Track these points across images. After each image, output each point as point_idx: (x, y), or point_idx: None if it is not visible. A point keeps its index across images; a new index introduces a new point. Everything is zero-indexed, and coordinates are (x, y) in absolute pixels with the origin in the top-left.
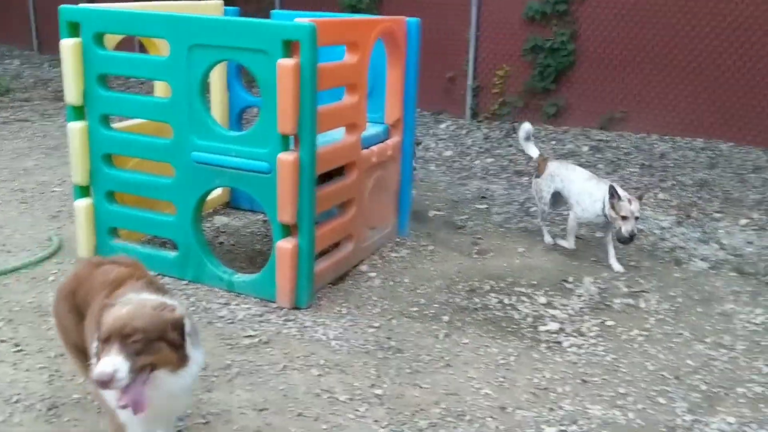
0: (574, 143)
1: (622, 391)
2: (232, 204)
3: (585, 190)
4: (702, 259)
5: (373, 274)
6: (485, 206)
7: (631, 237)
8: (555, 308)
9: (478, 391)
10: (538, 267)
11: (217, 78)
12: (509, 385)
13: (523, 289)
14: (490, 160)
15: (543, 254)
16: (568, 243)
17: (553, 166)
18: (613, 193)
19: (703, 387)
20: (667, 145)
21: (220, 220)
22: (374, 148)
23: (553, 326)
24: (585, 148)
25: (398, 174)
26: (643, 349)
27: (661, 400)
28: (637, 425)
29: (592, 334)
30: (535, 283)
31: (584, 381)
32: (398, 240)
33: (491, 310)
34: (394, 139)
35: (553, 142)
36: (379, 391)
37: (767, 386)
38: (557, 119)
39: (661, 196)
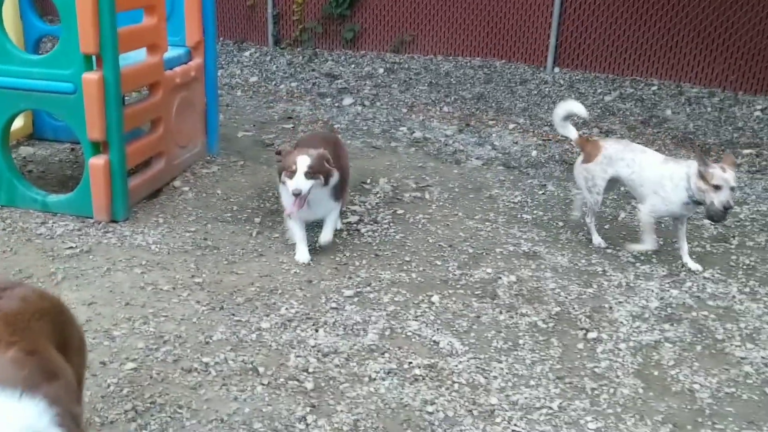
0: (371, 66)
1: (407, 259)
2: (36, 135)
3: (665, 175)
4: (477, 158)
5: (186, 189)
6: (291, 125)
7: (726, 210)
8: (355, 205)
9: (288, 271)
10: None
11: (9, 6)
12: (315, 264)
13: None
14: (294, 84)
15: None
16: (648, 243)
17: (613, 148)
18: (702, 161)
19: (471, 250)
20: (450, 64)
21: (25, 150)
22: (177, 69)
23: (354, 218)
24: (381, 70)
25: (203, 95)
26: (426, 228)
27: (438, 263)
28: (418, 281)
29: (385, 221)
30: None
31: (377, 255)
32: (208, 158)
33: None
34: (196, 61)
35: (353, 66)
36: (199, 280)
37: (518, 246)
38: (355, 44)
39: (445, 109)
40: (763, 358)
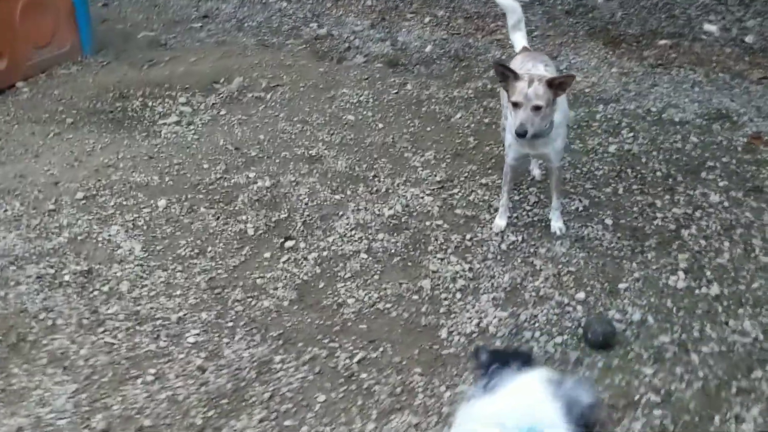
0: None
1: (176, 161)
2: None
3: None
4: (364, 56)
5: (26, 89)
6: (200, 24)
7: (521, 135)
8: (187, 106)
9: (46, 172)
10: (198, 72)
11: None
12: (78, 165)
13: (172, 93)
14: None
15: (212, 62)
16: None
17: (518, 61)
18: (501, 71)
19: (253, 153)
20: None
21: None
22: None
23: (172, 119)
24: None
25: None
26: (229, 129)
27: (206, 166)
28: (166, 184)
29: (200, 123)
30: (188, 86)
31: (150, 157)
32: (80, 59)
33: (125, 112)
34: None
35: None
36: None
37: (308, 149)
38: None
39: (368, 3)
40: (456, 271)
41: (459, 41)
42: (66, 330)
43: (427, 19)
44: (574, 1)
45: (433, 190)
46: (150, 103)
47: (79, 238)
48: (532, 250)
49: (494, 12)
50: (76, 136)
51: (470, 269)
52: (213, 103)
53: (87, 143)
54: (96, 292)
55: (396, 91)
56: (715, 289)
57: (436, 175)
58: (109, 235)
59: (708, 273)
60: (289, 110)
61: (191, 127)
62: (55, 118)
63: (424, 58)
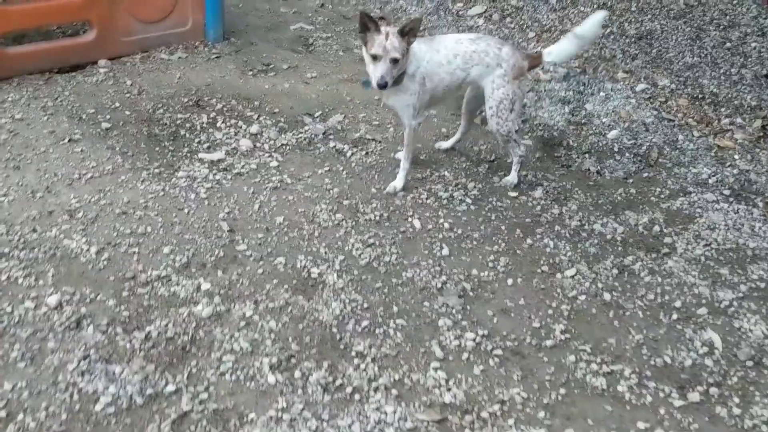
0: None
1: (140, 230)
2: None
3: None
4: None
5: (102, 71)
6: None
7: (381, 86)
8: (250, 139)
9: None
10: (301, 95)
11: None
12: (42, 197)
13: (254, 114)
14: None
15: (329, 84)
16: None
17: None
18: (365, 22)
19: (241, 247)
20: None
21: None
22: None
23: (216, 155)
24: None
25: None
26: (254, 195)
27: (166, 250)
28: (94, 266)
29: (234, 173)
30: (277, 110)
31: (124, 213)
32: (199, 43)
33: (179, 129)
34: None
35: None
36: None
37: (319, 261)
38: None
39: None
40: None
41: (665, 132)
42: None
43: (640, 87)
44: None
45: (422, 424)
46: (219, 123)
47: None
48: None
49: (741, 101)
50: (90, 149)
51: None
52: (281, 144)
53: (86, 165)
54: None
55: (510, 203)
56: None
57: (451, 389)
58: None
59: None
60: (351, 184)
61: (219, 175)
62: (97, 118)
63: (600, 147)
